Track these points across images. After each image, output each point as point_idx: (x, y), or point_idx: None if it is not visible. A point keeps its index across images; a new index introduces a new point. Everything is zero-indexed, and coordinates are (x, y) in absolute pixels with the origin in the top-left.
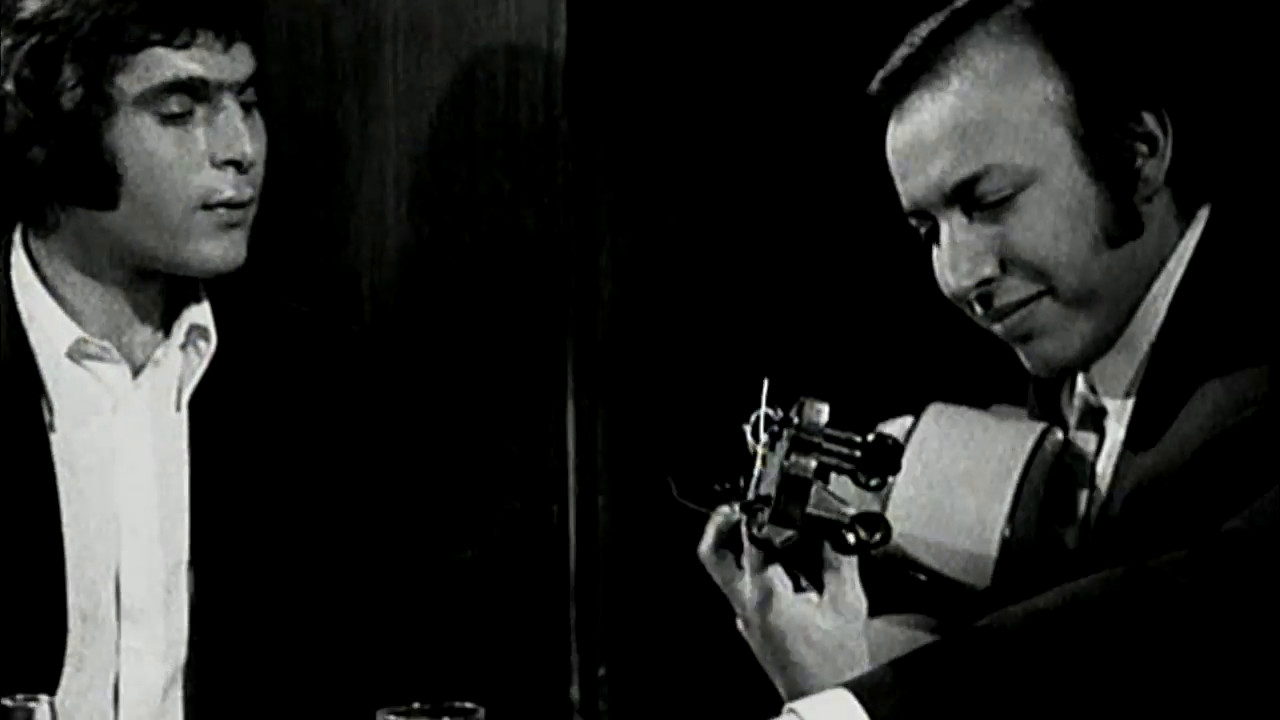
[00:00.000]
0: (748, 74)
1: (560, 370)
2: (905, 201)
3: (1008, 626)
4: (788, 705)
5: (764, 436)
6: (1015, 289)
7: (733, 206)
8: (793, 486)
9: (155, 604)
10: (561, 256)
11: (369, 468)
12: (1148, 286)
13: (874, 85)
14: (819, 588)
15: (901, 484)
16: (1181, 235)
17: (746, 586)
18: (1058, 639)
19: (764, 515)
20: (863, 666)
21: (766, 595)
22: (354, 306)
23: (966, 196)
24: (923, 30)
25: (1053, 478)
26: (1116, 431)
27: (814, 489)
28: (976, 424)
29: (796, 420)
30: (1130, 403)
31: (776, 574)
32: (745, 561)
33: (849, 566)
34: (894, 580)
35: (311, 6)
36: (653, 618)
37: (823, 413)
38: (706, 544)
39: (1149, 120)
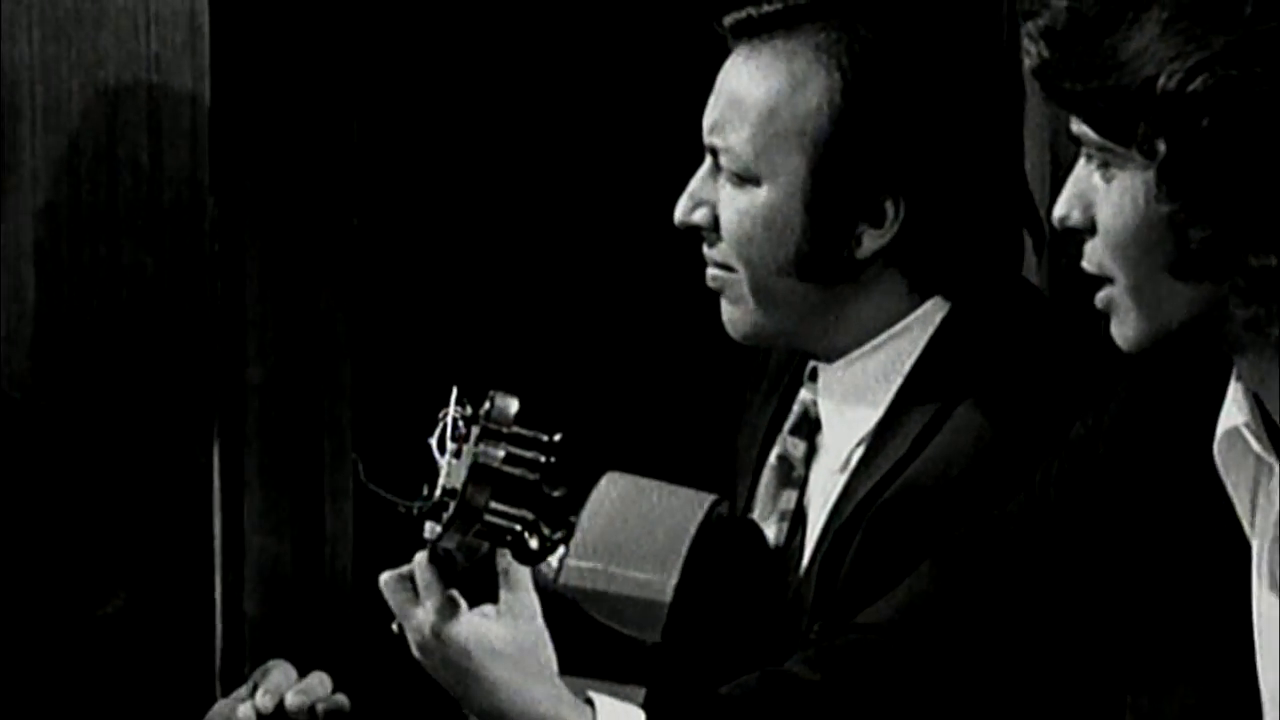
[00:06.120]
0: (388, 151)
1: (206, 453)
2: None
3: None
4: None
5: (450, 445)
6: (717, 252)
7: (384, 287)
8: (480, 475)
9: None
10: (207, 337)
11: (17, 528)
12: (866, 334)
13: (726, 21)
14: (494, 602)
15: (573, 552)
16: (913, 308)
17: (422, 609)
18: None
19: (448, 512)
20: (550, 666)
21: (444, 614)
22: None
23: (714, 151)
24: (779, 3)
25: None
26: (836, 448)
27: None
28: (648, 494)
29: (487, 409)
30: (861, 430)
31: (452, 593)
32: (420, 585)
33: (524, 573)
34: (567, 637)
35: None
36: None
37: (512, 405)
38: (388, 573)
39: (886, 201)
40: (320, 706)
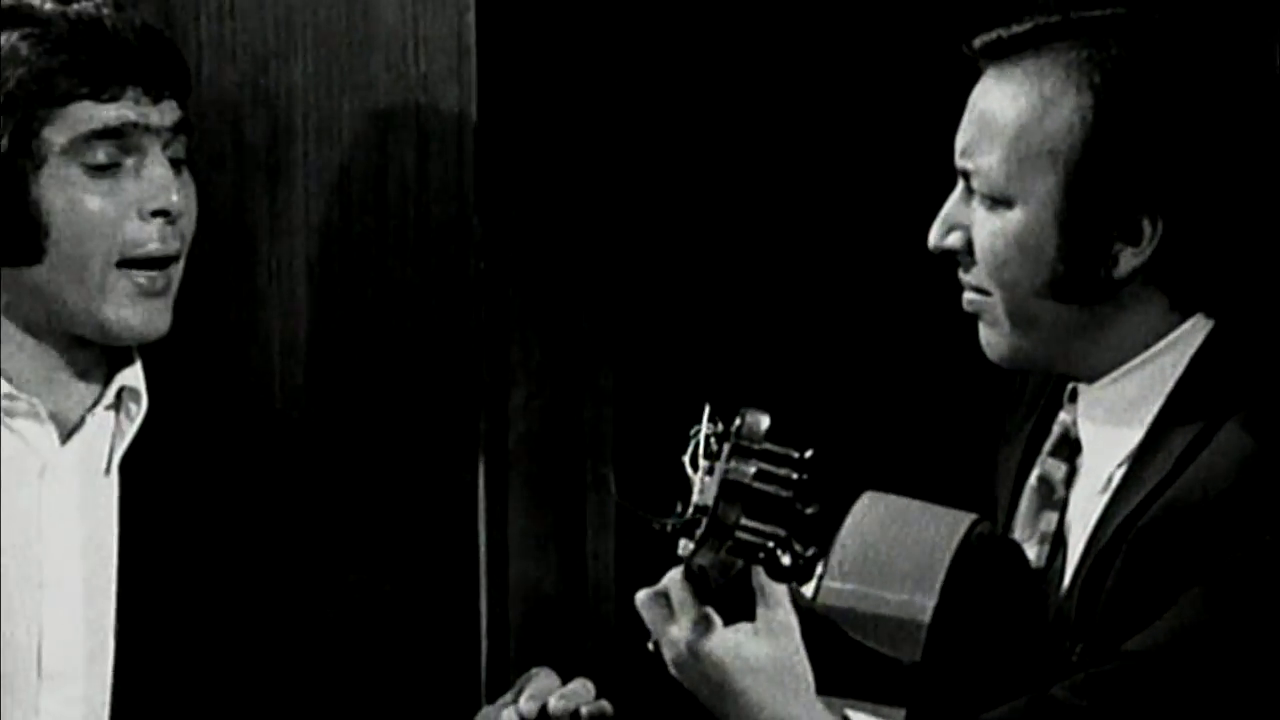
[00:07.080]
0: (652, 172)
1: (471, 468)
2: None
3: None
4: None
5: (703, 462)
6: (973, 276)
7: (644, 304)
8: (731, 491)
9: (76, 669)
10: (472, 355)
11: (291, 543)
12: (1126, 354)
13: (976, 43)
14: (750, 619)
15: (832, 572)
16: (1174, 327)
17: (677, 626)
18: None
19: (700, 529)
20: (808, 684)
21: (700, 631)
22: (265, 399)
23: (965, 174)
24: (1028, 23)
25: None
26: (1098, 469)
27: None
28: (907, 514)
29: (738, 425)
30: (1122, 451)
31: (708, 610)
32: (675, 603)
33: (780, 590)
34: (827, 657)
35: (222, 103)
36: None
37: (763, 421)
38: (643, 591)
39: (1143, 219)
40: (584, 711)
